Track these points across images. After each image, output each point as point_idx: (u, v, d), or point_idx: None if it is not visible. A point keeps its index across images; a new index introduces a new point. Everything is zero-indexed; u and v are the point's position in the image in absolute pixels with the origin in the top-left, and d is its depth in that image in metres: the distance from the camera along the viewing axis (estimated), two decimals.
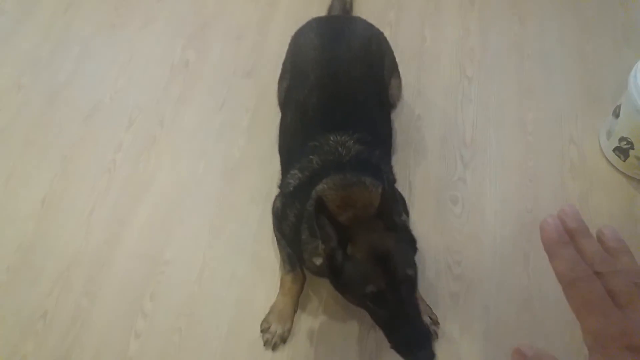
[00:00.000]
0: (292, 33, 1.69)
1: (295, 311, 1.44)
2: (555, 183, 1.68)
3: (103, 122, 1.83)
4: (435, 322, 1.41)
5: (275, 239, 1.49)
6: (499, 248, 1.56)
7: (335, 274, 1.14)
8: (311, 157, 1.35)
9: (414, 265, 1.12)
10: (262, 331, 1.41)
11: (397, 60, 1.87)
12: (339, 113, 1.41)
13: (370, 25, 1.69)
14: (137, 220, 1.63)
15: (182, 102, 1.88)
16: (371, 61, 1.54)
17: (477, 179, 1.69)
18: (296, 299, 1.43)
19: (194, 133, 1.81)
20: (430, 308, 1.43)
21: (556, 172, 1.70)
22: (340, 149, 1.34)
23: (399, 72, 1.70)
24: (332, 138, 1.35)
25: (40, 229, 1.62)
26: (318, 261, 1.21)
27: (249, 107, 1.84)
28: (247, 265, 1.54)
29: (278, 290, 1.44)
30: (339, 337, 1.42)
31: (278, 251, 1.48)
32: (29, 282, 1.52)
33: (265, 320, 1.41)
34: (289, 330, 1.41)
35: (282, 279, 1.44)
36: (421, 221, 1.60)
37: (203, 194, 1.67)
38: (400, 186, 1.66)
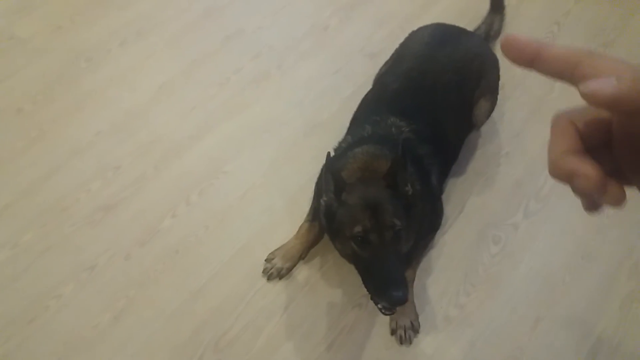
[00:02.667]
0: None
1: (301, 257, 1.55)
2: (608, 271, 1.57)
3: (236, 46, 2.09)
4: (415, 329, 1.44)
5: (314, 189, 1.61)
6: (515, 301, 1.52)
7: (329, 219, 1.26)
8: (366, 126, 1.47)
9: (402, 219, 1.19)
10: (265, 260, 1.55)
11: (514, 98, 1.89)
12: (410, 103, 1.50)
13: (484, 45, 1.72)
14: (220, 131, 1.85)
15: (306, 56, 2.07)
16: (466, 75, 1.58)
17: (530, 232, 1.64)
18: (305, 246, 1.54)
19: (301, 84, 1.99)
20: (417, 315, 1.45)
21: (614, 262, 1.59)
22: (393, 129, 1.44)
23: (494, 98, 1.71)
24: (391, 119, 1.45)
25: (149, 106, 1.92)
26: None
27: (357, 82, 1.97)
28: (284, 204, 1.68)
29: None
30: (326, 298, 1.51)
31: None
32: (120, 140, 1.82)
33: (272, 253, 1.55)
34: (288, 270, 1.53)
35: (301, 225, 1.56)
36: (454, 242, 1.62)
37: (281, 135, 1.85)
38: (452, 206, 1.69)
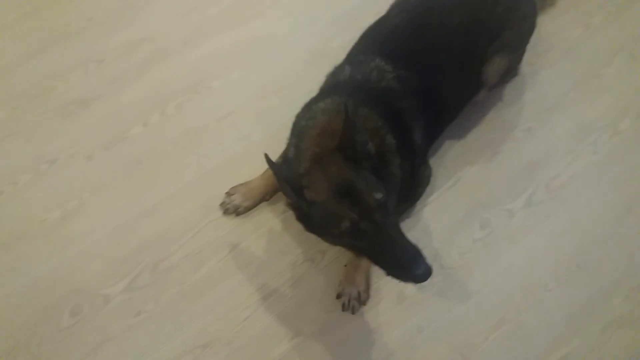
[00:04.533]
0: None
1: (264, 199, 1.44)
2: (603, 287, 1.37)
3: None
4: (362, 301, 1.32)
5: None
6: (483, 295, 1.36)
7: (306, 222, 1.10)
8: (347, 66, 1.29)
9: (381, 189, 1.02)
10: (226, 193, 1.44)
11: (558, 65, 1.62)
12: (405, 44, 1.28)
13: None
14: (216, 40, 1.70)
15: None
16: (482, 20, 1.32)
17: (526, 224, 1.44)
18: (270, 189, 1.42)
19: (319, 1, 1.76)
20: (368, 286, 1.33)
21: (613, 279, 1.38)
22: (374, 74, 1.24)
23: (515, 57, 1.44)
24: (376, 61, 1.25)
25: (151, 0, 1.76)
26: None
27: (382, 11, 1.71)
28: (263, 136, 1.54)
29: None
30: (280, 246, 1.40)
31: None
32: (111, 31, 1.71)
33: (233, 188, 1.44)
34: (246, 209, 1.43)
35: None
36: (436, 216, 1.44)
37: (280, 57, 1.67)
38: (443, 174, 1.49)
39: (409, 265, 1.00)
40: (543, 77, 1.63)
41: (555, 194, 1.48)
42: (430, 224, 1.43)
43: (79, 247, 1.39)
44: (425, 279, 1.01)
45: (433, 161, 1.47)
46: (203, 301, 1.32)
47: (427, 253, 1.34)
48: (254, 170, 1.46)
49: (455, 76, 1.34)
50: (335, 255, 1.39)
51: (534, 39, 1.68)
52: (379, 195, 1.01)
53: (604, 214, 1.45)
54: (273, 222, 1.43)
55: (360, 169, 1.04)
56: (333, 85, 1.27)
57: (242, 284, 1.36)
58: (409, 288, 1.36)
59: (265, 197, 1.43)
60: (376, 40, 1.33)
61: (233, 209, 1.42)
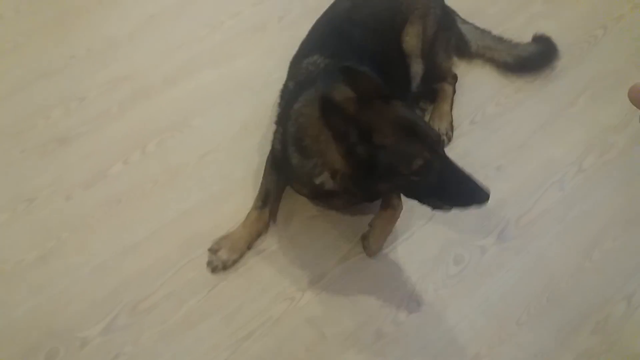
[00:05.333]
0: None
1: (248, 248, 1.45)
2: (572, 320, 1.42)
3: None
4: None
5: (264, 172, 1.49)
6: (457, 331, 1.39)
7: (365, 168, 1.09)
8: (289, 82, 1.40)
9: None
10: (209, 250, 1.43)
11: (528, 104, 1.72)
12: (323, 36, 1.45)
13: None
14: (199, 78, 1.73)
15: (312, 12, 1.85)
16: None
17: (498, 260, 1.49)
18: (253, 236, 1.44)
19: (298, 43, 1.81)
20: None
21: (582, 312, 1.43)
22: (310, 67, 1.34)
23: (426, 23, 1.51)
24: (305, 61, 1.36)
25: (133, 37, 1.81)
26: (318, 180, 1.18)
27: None
28: (244, 175, 1.56)
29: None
30: (259, 284, 1.41)
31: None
32: (93, 69, 1.73)
33: (216, 242, 1.43)
34: (234, 262, 1.42)
35: (249, 213, 1.45)
36: (412, 253, 1.48)
37: (262, 96, 1.69)
38: (421, 213, 1.52)
39: (474, 190, 1.11)
40: (512, 116, 1.71)
41: (525, 230, 1.54)
42: (407, 260, 1.47)
43: (56, 289, 1.38)
44: (488, 199, 1.12)
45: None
46: (182, 342, 1.32)
47: (404, 290, 1.43)
48: (236, 208, 1.48)
49: (380, 47, 1.43)
50: (316, 293, 1.42)
51: (502, 81, 1.77)
52: (435, 129, 1.10)
53: (571, 249, 1.52)
54: (252, 261, 1.45)
55: (408, 107, 1.12)
56: (289, 100, 1.34)
57: (221, 324, 1.37)
58: (387, 326, 1.39)
59: (250, 245, 1.45)
60: (300, 52, 1.49)
61: (221, 265, 1.41)
